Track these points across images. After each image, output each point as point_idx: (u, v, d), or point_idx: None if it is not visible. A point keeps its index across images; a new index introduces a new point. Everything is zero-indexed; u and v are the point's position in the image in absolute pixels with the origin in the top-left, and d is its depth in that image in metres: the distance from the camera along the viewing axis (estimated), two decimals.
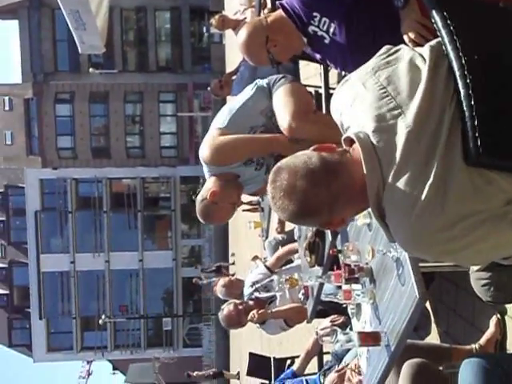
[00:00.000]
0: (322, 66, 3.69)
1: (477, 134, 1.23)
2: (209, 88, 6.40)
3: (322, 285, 2.97)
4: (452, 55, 1.30)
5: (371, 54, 1.46)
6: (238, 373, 15.59)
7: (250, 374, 5.39)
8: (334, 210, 1.31)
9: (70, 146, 26.76)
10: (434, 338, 3.16)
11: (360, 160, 1.29)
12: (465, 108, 1.25)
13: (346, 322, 3.10)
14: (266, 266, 4.17)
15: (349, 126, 1.40)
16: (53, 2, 19.25)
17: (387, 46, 1.44)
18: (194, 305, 28.44)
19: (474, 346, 2.68)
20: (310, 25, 2.21)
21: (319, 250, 2.95)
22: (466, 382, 1.81)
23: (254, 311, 3.88)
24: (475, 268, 1.93)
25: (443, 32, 1.33)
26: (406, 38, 1.87)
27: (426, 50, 1.36)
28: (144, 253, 26.26)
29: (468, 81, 1.26)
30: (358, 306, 2.40)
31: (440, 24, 1.35)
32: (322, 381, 3.29)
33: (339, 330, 2.24)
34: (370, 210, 1.34)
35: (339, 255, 2.55)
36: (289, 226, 5.32)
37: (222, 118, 2.72)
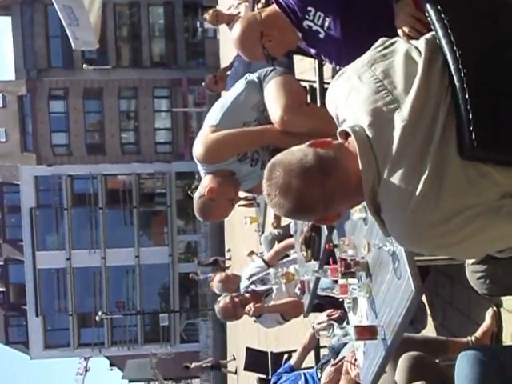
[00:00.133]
0: (316, 61, 3.68)
1: (471, 127, 1.23)
2: (203, 83, 6.39)
3: (318, 279, 2.98)
4: (446, 49, 1.30)
5: (366, 48, 1.45)
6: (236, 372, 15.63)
7: (247, 368, 5.41)
8: (329, 206, 1.31)
9: (64, 143, 26.69)
10: (430, 331, 3.17)
11: (355, 153, 1.29)
12: (460, 101, 1.25)
13: (342, 316, 3.11)
14: (263, 259, 4.18)
15: (344, 119, 1.40)
16: None
17: (383, 39, 1.44)
18: (190, 300, 28.47)
19: (470, 338, 2.69)
20: (304, 19, 2.20)
21: (315, 245, 2.96)
22: (462, 375, 1.81)
23: (251, 304, 3.89)
24: (471, 261, 1.93)
25: (437, 26, 1.33)
26: (400, 31, 1.87)
27: (421, 43, 1.36)
28: (140, 249, 26.27)
29: (462, 74, 1.26)
30: (355, 300, 2.40)
31: (434, 18, 1.35)
32: (319, 374, 3.30)
33: (336, 324, 2.24)
34: (365, 204, 1.35)
35: (335, 250, 2.55)
36: (285, 220, 5.33)
37: (214, 115, 2.70)
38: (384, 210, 1.31)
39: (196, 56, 27.06)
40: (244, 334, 13.31)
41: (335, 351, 3.22)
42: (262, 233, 6.00)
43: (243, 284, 4.12)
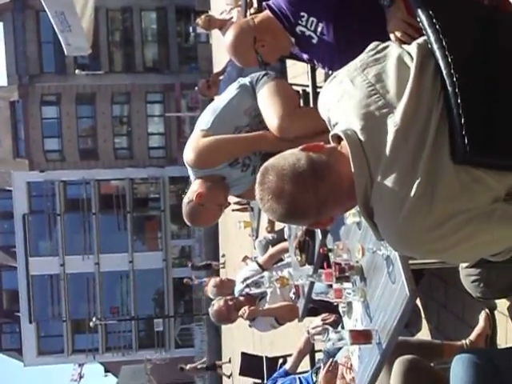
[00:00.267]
0: (309, 66, 3.69)
1: (464, 132, 1.24)
2: (196, 88, 6.39)
3: (312, 283, 2.98)
4: (438, 54, 1.30)
5: (359, 53, 1.46)
6: (231, 375, 15.60)
7: (242, 373, 5.39)
8: (322, 211, 1.31)
9: (57, 149, 26.61)
10: (424, 335, 3.18)
11: (348, 157, 1.29)
12: (452, 106, 1.25)
13: (337, 321, 3.11)
14: (257, 263, 4.18)
15: (336, 123, 1.40)
16: (37, 4, 19.11)
17: (375, 43, 1.44)
18: (185, 305, 28.39)
19: (465, 341, 2.70)
20: (297, 25, 2.20)
21: (309, 249, 2.96)
22: (457, 378, 1.82)
23: (246, 307, 3.89)
24: (464, 265, 1.94)
25: (429, 31, 1.34)
26: (392, 36, 1.88)
27: (413, 48, 1.37)
28: (134, 254, 26.17)
29: (455, 79, 1.26)
30: (349, 304, 2.41)
31: (426, 23, 1.35)
32: (314, 379, 3.30)
33: (331, 329, 2.25)
34: (358, 208, 1.35)
35: (329, 254, 2.56)
36: (279, 225, 5.33)
37: (205, 119, 2.68)
38: (377, 214, 1.31)
39: (189, 61, 27.06)
40: (239, 339, 13.29)
41: (330, 355, 3.21)
42: (256, 237, 5.99)
43: (238, 288, 4.12)
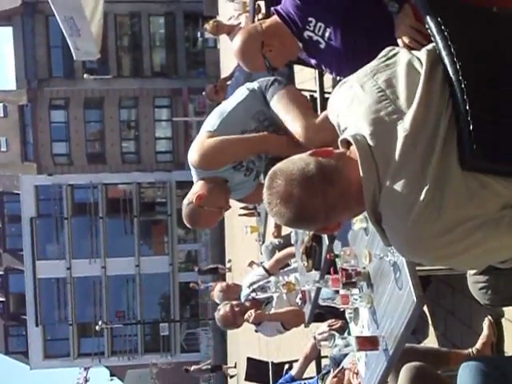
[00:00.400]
0: (316, 71, 3.69)
1: (472, 138, 1.23)
2: (204, 93, 6.41)
3: (319, 289, 2.97)
4: (447, 60, 1.30)
5: (367, 58, 1.46)
6: (235, 375, 15.57)
7: (248, 378, 5.38)
8: (330, 216, 1.31)
9: (65, 152, 26.72)
10: (431, 342, 3.16)
11: (357, 162, 1.29)
12: (460, 112, 1.25)
13: (343, 327, 3.10)
14: (264, 267, 4.18)
15: (346, 128, 1.40)
16: (47, 9, 19.24)
17: (387, 49, 1.44)
18: (191, 310, 28.38)
19: (471, 350, 2.68)
20: (305, 30, 2.21)
21: (316, 255, 2.95)
22: None
23: (252, 311, 3.89)
24: (472, 271, 1.93)
25: (438, 38, 1.34)
26: (400, 42, 1.88)
27: (422, 54, 1.37)
28: (140, 258, 26.22)
29: (463, 86, 1.26)
30: (356, 310, 2.40)
31: (434, 30, 1.35)
32: None
33: (337, 335, 2.24)
34: (366, 214, 1.34)
35: (336, 260, 2.55)
36: (285, 230, 5.33)
37: (212, 121, 2.67)
38: (385, 219, 1.31)
39: (196, 65, 27.16)
40: (245, 344, 13.27)
41: (336, 361, 3.21)
42: (263, 242, 5.99)
43: (244, 292, 4.12)
